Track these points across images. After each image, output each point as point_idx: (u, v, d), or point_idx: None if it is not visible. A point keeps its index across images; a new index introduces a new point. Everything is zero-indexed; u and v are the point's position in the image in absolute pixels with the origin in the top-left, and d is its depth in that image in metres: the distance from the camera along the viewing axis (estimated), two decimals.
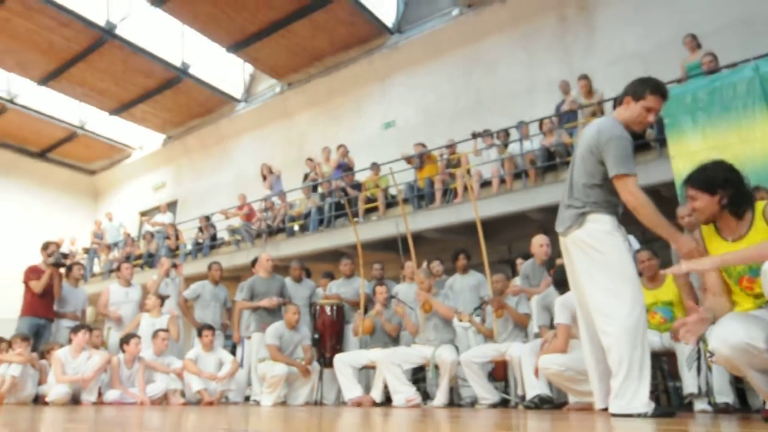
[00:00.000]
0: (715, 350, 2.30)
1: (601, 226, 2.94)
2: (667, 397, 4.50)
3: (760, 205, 2.45)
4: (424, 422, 3.00)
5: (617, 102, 3.12)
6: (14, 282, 7.06)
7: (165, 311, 6.74)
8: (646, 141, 6.73)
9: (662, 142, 6.39)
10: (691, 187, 2.55)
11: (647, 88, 2.99)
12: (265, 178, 11.39)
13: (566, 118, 8.15)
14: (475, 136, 8.60)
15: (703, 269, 2.44)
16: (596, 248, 2.91)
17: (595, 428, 2.48)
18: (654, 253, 4.15)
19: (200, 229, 12.01)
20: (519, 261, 6.07)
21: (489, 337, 5.12)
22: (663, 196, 6.13)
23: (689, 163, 5.54)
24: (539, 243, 5.31)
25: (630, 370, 2.74)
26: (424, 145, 9.15)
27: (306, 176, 10.90)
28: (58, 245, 6.91)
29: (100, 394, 5.87)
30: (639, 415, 2.69)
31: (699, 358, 3.54)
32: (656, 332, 3.93)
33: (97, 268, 14.15)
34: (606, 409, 2.95)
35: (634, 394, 2.73)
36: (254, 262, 7.21)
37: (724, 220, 2.54)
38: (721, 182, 2.47)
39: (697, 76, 6.43)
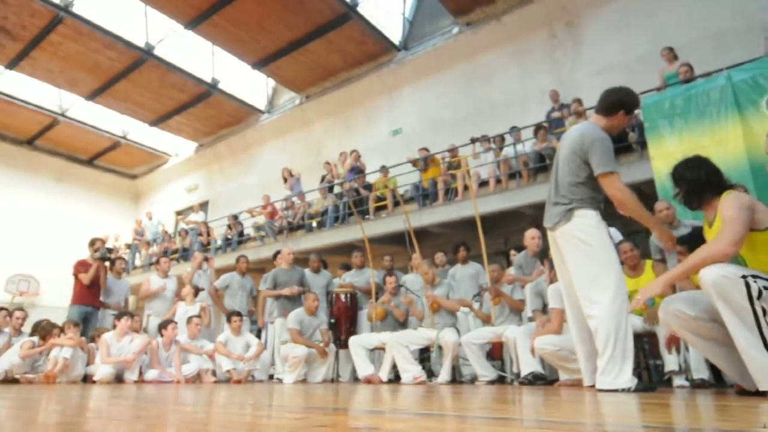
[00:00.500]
0: (658, 315, 2.53)
1: (588, 220, 2.93)
2: (648, 374, 4.46)
3: (723, 196, 2.42)
4: (430, 397, 2.99)
5: (605, 111, 3.06)
6: (65, 275, 7.11)
7: (198, 300, 6.78)
8: (628, 143, 6.68)
9: (643, 144, 6.33)
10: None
11: (635, 104, 3.08)
12: (285, 180, 11.42)
13: (555, 124, 8.09)
14: (473, 140, 8.57)
15: (653, 294, 2.46)
16: (584, 240, 2.90)
17: (583, 402, 2.45)
18: (635, 244, 4.11)
19: (229, 227, 12.06)
20: (513, 252, 6.04)
21: (486, 321, 5.10)
22: (644, 193, 6.06)
23: (667, 164, 5.48)
24: (531, 236, 5.29)
25: (615, 350, 2.74)
26: (427, 150, 9.12)
27: (323, 178, 10.91)
28: (103, 241, 6.95)
29: (141, 374, 5.89)
30: (623, 390, 2.68)
31: (678, 339, 3.50)
32: (638, 316, 3.89)
33: (138, 262, 14.27)
34: (593, 386, 2.94)
35: (619, 371, 2.73)
36: (275, 255, 7.22)
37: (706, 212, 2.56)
38: (677, 179, 2.56)
39: (674, 85, 6.35)
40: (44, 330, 5.87)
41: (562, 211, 2.98)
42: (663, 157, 5.64)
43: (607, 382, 2.74)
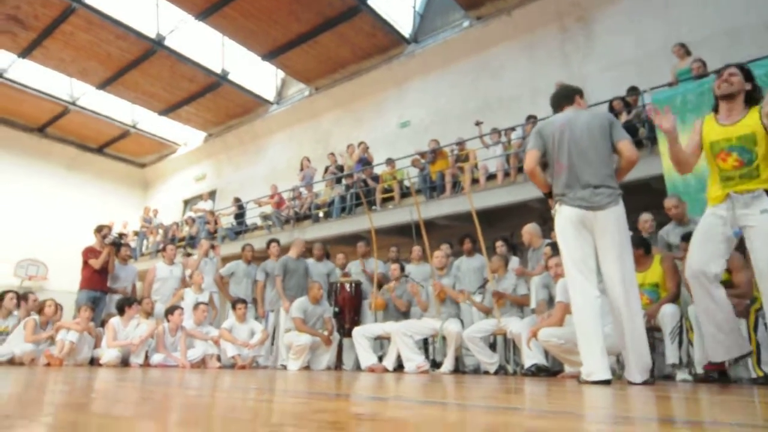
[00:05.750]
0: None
1: (623, 210, 3.02)
2: (652, 368, 4.43)
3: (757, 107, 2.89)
4: (432, 386, 2.98)
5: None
6: (73, 260, 7.14)
7: (204, 287, 6.81)
8: (638, 139, 6.59)
9: (653, 140, 6.27)
10: (736, 67, 3.10)
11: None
12: (302, 168, 11.36)
13: None
14: (477, 123, 8.50)
15: None
16: (625, 226, 2.99)
17: (587, 393, 2.44)
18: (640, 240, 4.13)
19: (235, 216, 12.13)
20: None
21: (487, 313, 5.08)
22: (653, 188, 6.02)
23: None
24: (530, 232, 5.35)
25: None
26: (437, 142, 9.05)
27: (326, 169, 10.88)
28: (109, 228, 6.98)
29: (146, 358, 5.92)
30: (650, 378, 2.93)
31: (681, 333, 3.47)
32: (644, 311, 3.87)
33: (145, 249, 14.34)
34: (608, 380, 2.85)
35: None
36: (269, 243, 7.27)
37: (728, 108, 2.99)
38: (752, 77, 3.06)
39: (686, 81, 6.26)
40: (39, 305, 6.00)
41: (611, 193, 2.96)
42: None
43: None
